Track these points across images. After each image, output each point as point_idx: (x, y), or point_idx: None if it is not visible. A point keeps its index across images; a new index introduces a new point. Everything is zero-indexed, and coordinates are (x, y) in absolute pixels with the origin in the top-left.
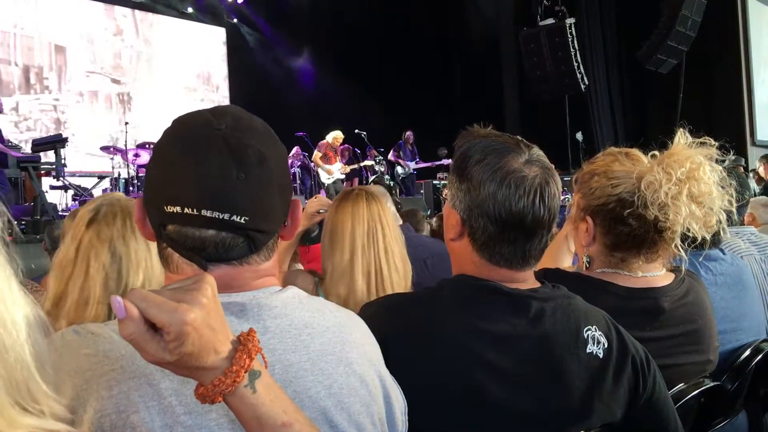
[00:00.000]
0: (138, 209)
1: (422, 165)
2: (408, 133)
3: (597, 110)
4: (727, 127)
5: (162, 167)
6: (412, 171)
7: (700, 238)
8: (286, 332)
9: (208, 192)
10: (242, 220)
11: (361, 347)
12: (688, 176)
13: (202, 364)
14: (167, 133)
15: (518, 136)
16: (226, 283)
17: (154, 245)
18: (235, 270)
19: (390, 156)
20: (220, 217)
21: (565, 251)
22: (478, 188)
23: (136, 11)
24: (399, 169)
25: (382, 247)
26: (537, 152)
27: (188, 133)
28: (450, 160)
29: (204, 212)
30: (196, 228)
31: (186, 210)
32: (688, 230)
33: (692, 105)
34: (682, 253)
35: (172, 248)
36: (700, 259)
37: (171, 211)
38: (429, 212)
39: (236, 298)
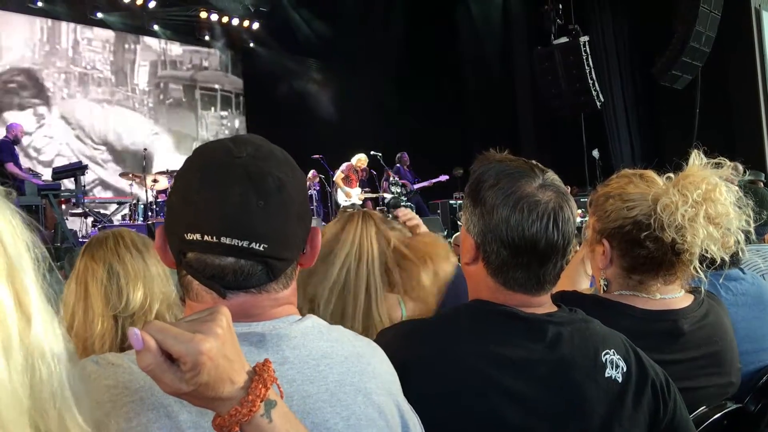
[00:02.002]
0: (159, 237)
1: (421, 185)
2: (403, 155)
3: (613, 127)
4: (745, 140)
5: (182, 195)
6: (413, 189)
7: (719, 260)
8: (304, 363)
9: (227, 219)
10: (261, 248)
11: (379, 377)
12: (705, 197)
13: (218, 395)
14: (188, 162)
15: (533, 161)
16: (245, 311)
17: (151, 260)
18: (254, 298)
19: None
20: (240, 244)
21: (582, 273)
22: (492, 213)
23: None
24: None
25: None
26: (551, 177)
27: (209, 161)
28: (446, 177)
29: (224, 240)
30: (215, 256)
31: (206, 237)
32: (707, 251)
33: (709, 120)
34: (701, 274)
35: (192, 276)
36: (720, 279)
37: (191, 238)
38: (446, 232)
39: (256, 328)
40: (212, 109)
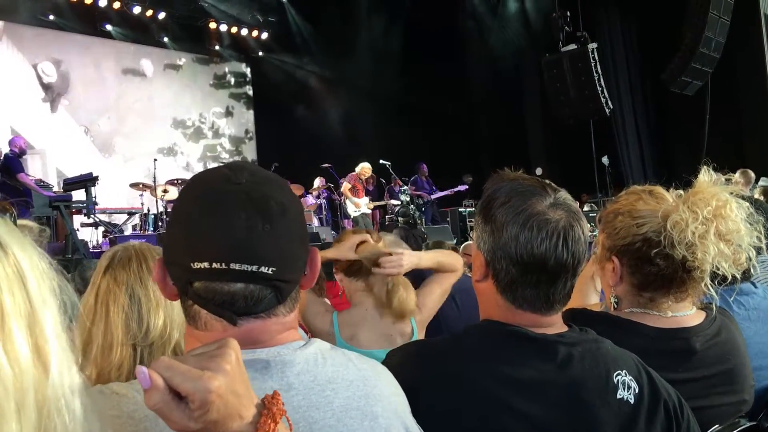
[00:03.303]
0: (158, 270)
1: (440, 194)
2: (421, 165)
3: (623, 134)
4: (755, 146)
5: (183, 225)
6: (431, 200)
7: (730, 277)
8: (309, 389)
9: (235, 245)
10: (270, 271)
11: (386, 399)
12: (715, 214)
13: (227, 431)
14: (185, 192)
15: (547, 180)
16: (255, 337)
17: None
18: (263, 323)
19: (408, 189)
20: (249, 269)
21: (592, 289)
22: (501, 230)
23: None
24: (420, 202)
25: None
26: (563, 196)
27: (207, 189)
28: (466, 187)
29: (233, 265)
30: (224, 282)
31: (214, 265)
32: (718, 268)
33: (719, 126)
34: (712, 291)
35: (199, 305)
36: (733, 295)
37: (198, 267)
38: (455, 241)
39: (261, 355)
40: (222, 117)
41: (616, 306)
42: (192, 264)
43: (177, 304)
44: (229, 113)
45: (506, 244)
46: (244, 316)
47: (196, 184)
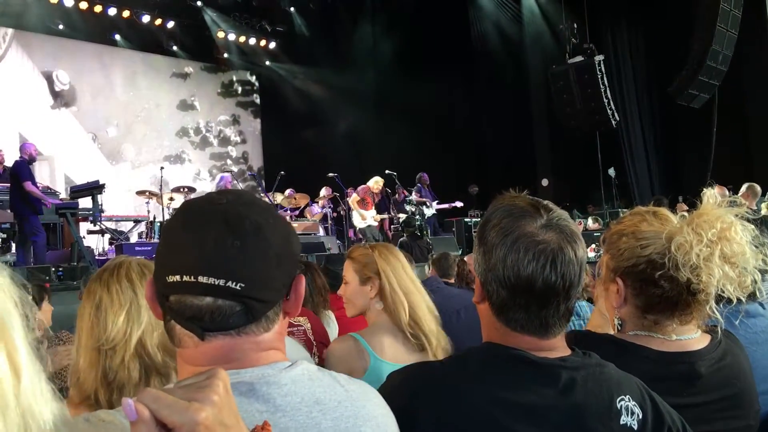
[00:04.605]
0: (148, 288)
1: (440, 207)
2: (423, 175)
3: (629, 146)
4: (763, 160)
5: (166, 242)
6: (434, 212)
7: (735, 300)
8: (297, 410)
9: (203, 259)
10: (238, 287)
11: (374, 420)
12: (720, 237)
13: None
14: (174, 213)
15: (546, 201)
16: (225, 354)
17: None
18: (233, 340)
19: (414, 198)
20: (216, 282)
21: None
22: (491, 252)
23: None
24: (426, 210)
25: None
26: (557, 216)
27: (191, 209)
28: (461, 204)
29: (200, 278)
30: (194, 296)
31: (185, 277)
32: (723, 291)
33: (726, 138)
34: (717, 315)
35: (174, 320)
36: (739, 317)
37: (172, 280)
38: (461, 251)
39: (244, 377)
40: (228, 126)
41: (619, 328)
42: (167, 278)
43: (146, 307)
44: (236, 121)
45: (495, 267)
46: (212, 331)
47: (184, 206)
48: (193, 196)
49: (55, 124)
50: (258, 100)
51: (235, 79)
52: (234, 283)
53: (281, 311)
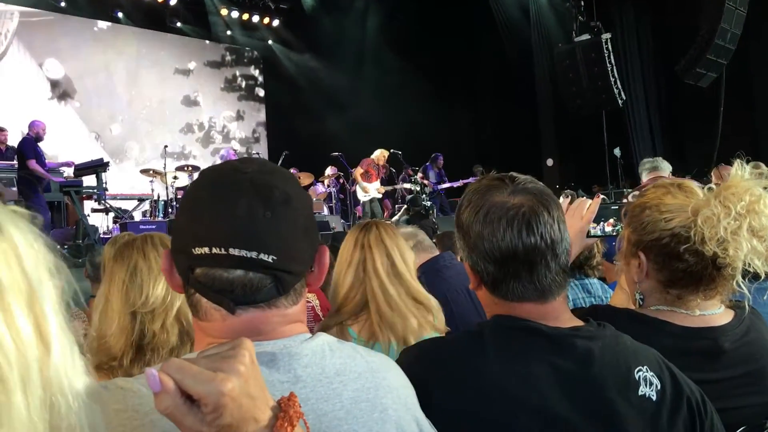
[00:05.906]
0: (165, 259)
1: (448, 185)
2: (438, 156)
3: (635, 125)
4: None
5: (190, 212)
6: (437, 190)
7: (763, 275)
8: (318, 381)
9: (236, 231)
10: (270, 259)
11: (395, 391)
12: (748, 209)
13: None
14: (196, 182)
15: (513, 172)
16: (255, 326)
17: None
18: (263, 313)
19: (419, 177)
20: (248, 255)
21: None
22: (468, 231)
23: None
24: (427, 190)
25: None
26: (524, 181)
27: (216, 178)
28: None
29: (232, 251)
30: (224, 269)
31: (214, 250)
32: (749, 265)
33: (733, 118)
34: (744, 289)
35: (199, 293)
36: (766, 294)
37: (199, 253)
38: None
39: (267, 347)
40: (232, 121)
41: (641, 303)
42: (194, 249)
43: None
44: (239, 117)
45: (476, 245)
46: (243, 305)
47: (207, 173)
48: (196, 175)
49: (58, 122)
50: (261, 93)
51: (238, 74)
52: (266, 256)
53: (306, 283)
